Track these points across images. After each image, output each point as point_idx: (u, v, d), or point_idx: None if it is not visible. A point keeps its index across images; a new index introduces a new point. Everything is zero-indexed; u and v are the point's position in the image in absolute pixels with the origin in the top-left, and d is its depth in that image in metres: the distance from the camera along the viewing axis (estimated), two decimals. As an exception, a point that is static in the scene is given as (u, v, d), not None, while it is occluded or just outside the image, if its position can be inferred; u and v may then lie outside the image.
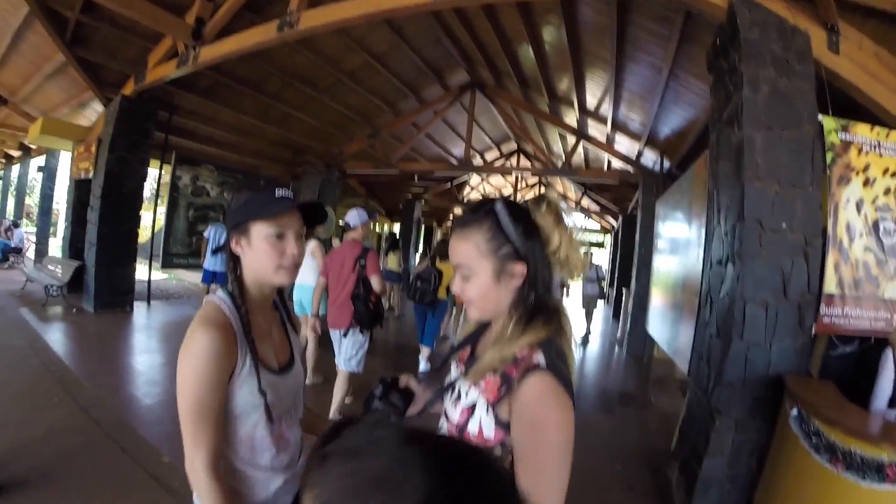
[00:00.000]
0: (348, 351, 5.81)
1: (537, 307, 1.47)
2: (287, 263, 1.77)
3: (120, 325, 9.92)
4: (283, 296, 2.07)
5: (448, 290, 7.99)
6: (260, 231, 1.74)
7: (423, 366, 8.48)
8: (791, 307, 4.26)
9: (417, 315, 8.62)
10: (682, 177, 8.08)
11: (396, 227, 23.16)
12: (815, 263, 4.32)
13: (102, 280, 10.53)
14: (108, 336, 9.06)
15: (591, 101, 11.16)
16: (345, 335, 5.79)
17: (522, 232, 1.46)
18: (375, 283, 5.68)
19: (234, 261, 1.80)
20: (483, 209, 1.49)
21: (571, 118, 12.62)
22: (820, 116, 4.47)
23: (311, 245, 7.71)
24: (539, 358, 1.36)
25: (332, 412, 5.79)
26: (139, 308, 11.36)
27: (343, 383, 5.87)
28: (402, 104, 14.42)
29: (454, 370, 1.73)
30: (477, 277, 1.48)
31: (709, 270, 5.04)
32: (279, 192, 1.76)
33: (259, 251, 1.74)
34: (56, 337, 8.66)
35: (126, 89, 10.38)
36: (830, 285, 4.44)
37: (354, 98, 13.36)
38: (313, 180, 15.95)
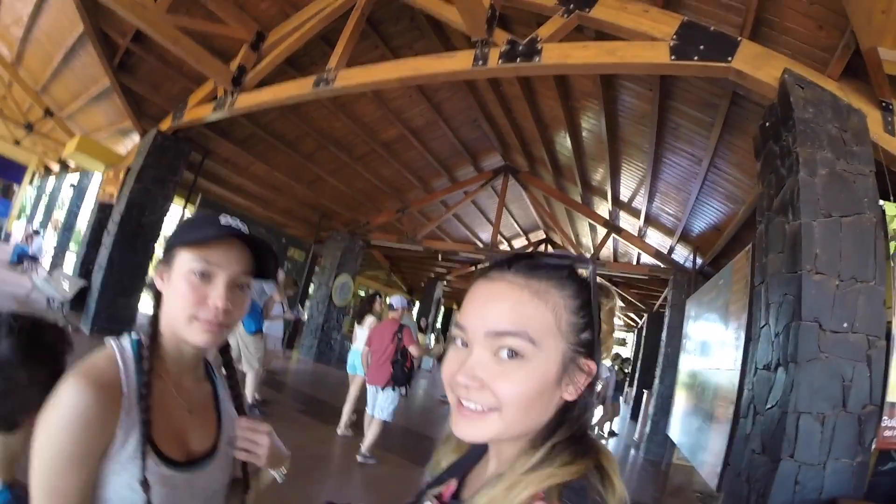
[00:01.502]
0: (383, 403, 7.25)
1: (578, 431, 0.95)
2: (205, 316, 1.26)
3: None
4: (229, 358, 1.58)
5: None
6: (182, 263, 1.28)
7: None
8: (851, 420, 3.67)
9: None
10: (718, 273, 7.68)
11: (416, 307, 22.87)
12: (879, 368, 3.76)
13: (104, 304, 10.37)
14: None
15: (624, 193, 11.10)
16: (381, 390, 7.23)
17: (598, 318, 0.97)
18: (414, 350, 7.37)
19: (156, 300, 1.35)
20: (567, 264, 0.98)
21: (603, 209, 12.52)
22: (881, 202, 4.09)
23: (369, 321, 8.79)
24: None
25: (365, 448, 7.17)
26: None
27: (376, 427, 7.22)
28: (433, 181, 14.47)
29: None
30: (534, 365, 0.89)
31: (752, 376, 4.44)
32: (224, 219, 1.31)
33: (175, 290, 1.28)
34: None
35: (163, 124, 10.53)
36: (895, 393, 3.90)
37: (387, 170, 13.45)
38: (336, 246, 16.00)
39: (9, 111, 18.32)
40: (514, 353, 0.89)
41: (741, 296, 5.77)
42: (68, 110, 14.60)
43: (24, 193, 26.99)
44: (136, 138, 11.64)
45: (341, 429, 8.26)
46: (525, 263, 0.96)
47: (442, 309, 26.69)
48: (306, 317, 16.63)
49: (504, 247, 18.43)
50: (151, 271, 1.26)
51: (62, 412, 1.09)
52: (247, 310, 1.38)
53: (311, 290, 17.98)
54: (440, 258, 18.79)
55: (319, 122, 11.15)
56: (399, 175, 13.76)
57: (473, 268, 21.61)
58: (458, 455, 1.19)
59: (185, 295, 1.25)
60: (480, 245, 17.22)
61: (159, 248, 11.08)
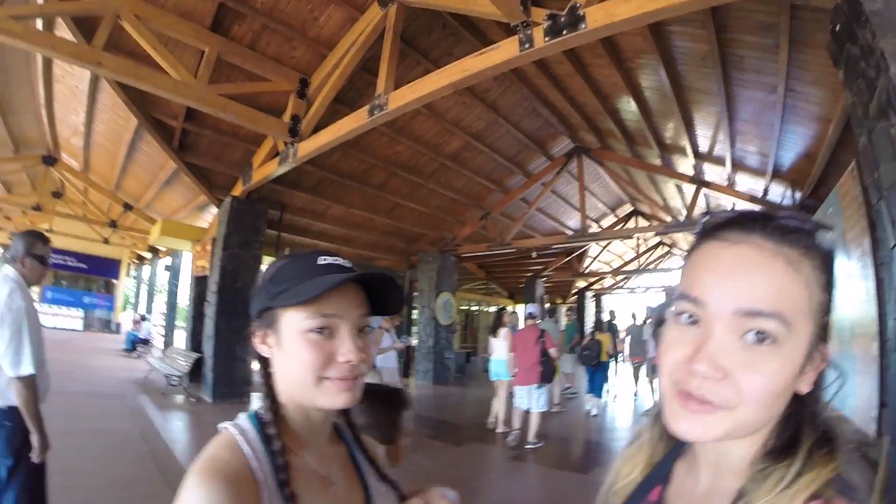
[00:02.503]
0: (539, 398, 8.55)
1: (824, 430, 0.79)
2: (337, 374, 1.07)
3: (235, 417, 9.92)
4: (349, 418, 1.33)
5: (609, 353, 12.62)
6: (293, 323, 1.07)
7: (593, 411, 11.87)
8: None
9: (587, 373, 12.39)
10: (824, 203, 7.19)
11: (520, 308, 22.67)
12: None
13: (220, 371, 10.68)
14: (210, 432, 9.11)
15: (703, 144, 10.58)
16: (537, 388, 8.51)
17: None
18: (554, 352, 8.85)
19: (264, 367, 1.15)
20: (813, 228, 0.78)
21: (686, 166, 12.00)
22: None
23: (503, 332, 9.97)
24: None
25: (532, 436, 8.49)
26: (257, 401, 11.24)
27: (536, 418, 8.54)
28: (508, 181, 14.31)
29: None
30: (786, 353, 0.74)
31: (894, 304, 3.76)
32: (322, 260, 1.11)
33: (293, 355, 1.07)
34: (169, 425, 8.78)
35: (235, 190, 10.90)
36: None
37: (460, 181, 13.41)
38: (430, 268, 16.15)
39: (92, 215, 19.41)
40: (764, 338, 0.72)
41: (856, 220, 5.34)
42: (144, 200, 15.43)
43: (124, 285, 28.63)
44: (213, 210, 11.95)
45: (497, 426, 9.61)
46: (778, 224, 0.77)
47: (547, 305, 26.26)
48: (415, 342, 16.73)
49: (594, 229, 18.00)
50: (253, 341, 1.13)
51: None
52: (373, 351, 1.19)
53: (414, 314, 18.09)
54: (534, 256, 18.56)
55: (382, 150, 11.24)
56: (473, 183, 13.69)
57: (568, 257, 21.30)
58: (649, 466, 1.00)
59: (308, 358, 1.05)
60: (570, 233, 16.87)
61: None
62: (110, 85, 8.48)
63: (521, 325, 10.25)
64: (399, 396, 1.87)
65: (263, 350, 1.13)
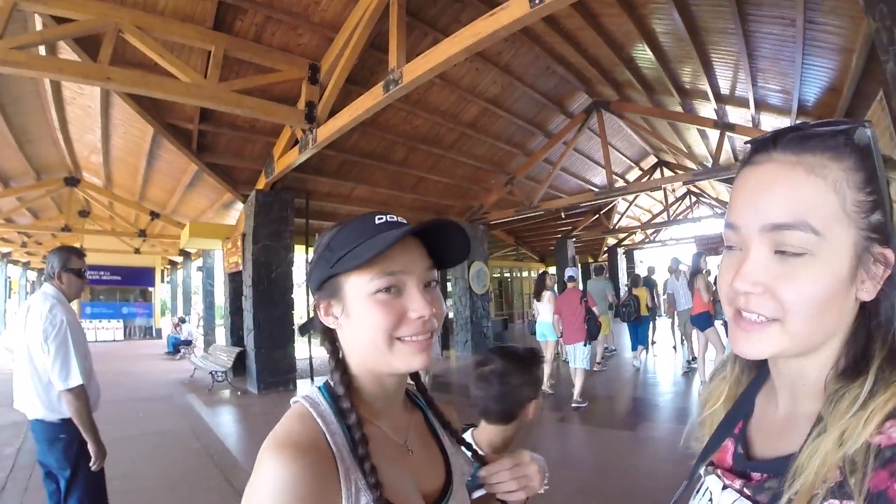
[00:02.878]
0: (582, 355, 8.98)
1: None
2: (411, 332, 1.02)
3: (282, 405, 10.05)
4: (420, 383, 1.33)
5: (648, 307, 13.32)
6: (358, 287, 1.02)
7: (635, 363, 12.62)
8: None
9: (630, 330, 13.18)
10: None
11: (552, 270, 22.64)
12: None
13: (263, 362, 10.90)
14: (270, 416, 9.10)
15: (724, 86, 10.33)
16: (584, 345, 8.97)
17: (888, 192, 0.75)
18: (597, 309, 9.84)
19: (330, 340, 1.12)
20: (841, 129, 0.75)
21: (708, 111, 11.69)
22: None
23: (547, 295, 10.47)
24: None
25: (577, 395, 8.81)
26: (303, 386, 11.52)
27: (580, 375, 8.89)
28: (529, 143, 14.21)
29: (716, 488, 0.89)
30: (823, 261, 0.73)
31: None
32: (379, 219, 1.06)
33: (362, 320, 1.02)
34: (218, 420, 8.94)
35: (259, 184, 11.02)
36: None
37: (482, 148, 13.36)
38: None
39: (120, 227, 19.75)
40: (795, 249, 0.73)
41: (889, 151, 5.18)
42: (170, 206, 15.72)
43: (160, 291, 29.45)
44: (240, 206, 12.09)
45: (545, 386, 9.74)
46: (793, 136, 0.77)
47: (579, 266, 26.12)
48: (451, 314, 16.91)
49: (619, 184, 17.81)
50: (312, 312, 1.08)
51: (268, 493, 0.86)
52: (444, 307, 1.11)
53: (448, 287, 18.21)
54: (563, 216, 18.47)
55: (401, 126, 11.23)
56: (495, 149, 13.65)
57: (597, 215, 21.16)
58: (732, 398, 0.99)
59: (379, 320, 1.00)
60: (596, 190, 16.71)
61: (299, 294, 11.78)
62: (122, 98, 8.53)
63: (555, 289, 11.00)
64: (536, 355, 2.03)
65: (329, 322, 1.08)
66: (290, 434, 0.95)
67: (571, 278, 9.97)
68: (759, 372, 0.97)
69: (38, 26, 6.94)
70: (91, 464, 3.35)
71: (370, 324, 1.01)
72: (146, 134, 10.30)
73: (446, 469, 1.18)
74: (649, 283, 14.67)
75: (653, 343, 14.33)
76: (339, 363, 1.08)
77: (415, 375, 1.30)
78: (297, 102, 8.67)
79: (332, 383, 1.06)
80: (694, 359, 11.41)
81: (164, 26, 7.20)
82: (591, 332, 9.09)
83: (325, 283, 1.07)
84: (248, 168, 10.93)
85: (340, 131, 8.16)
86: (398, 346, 1.01)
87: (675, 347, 14.36)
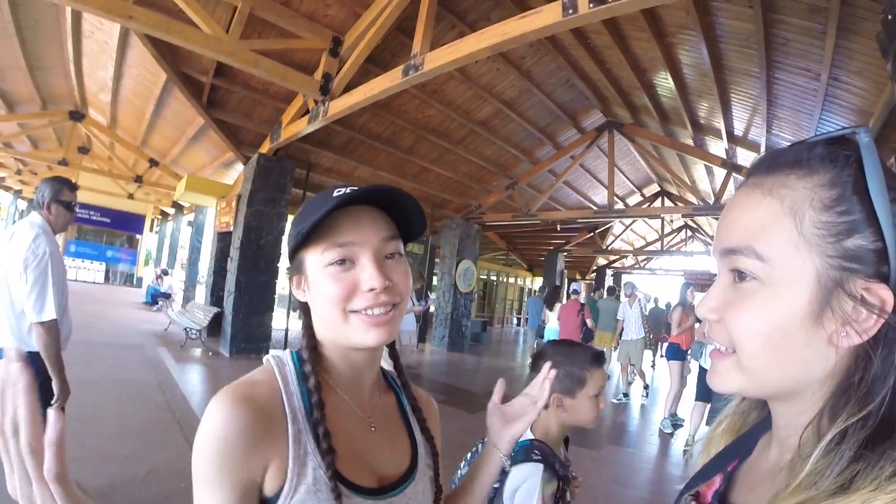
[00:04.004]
0: None
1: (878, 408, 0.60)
2: (363, 305, 1.00)
3: (251, 371, 10.31)
4: (399, 365, 1.30)
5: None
6: (315, 261, 1.03)
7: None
8: None
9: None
10: None
11: (538, 282, 22.73)
12: None
13: (239, 327, 10.85)
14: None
15: (738, 127, 10.35)
16: None
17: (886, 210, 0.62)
18: (590, 322, 11.25)
19: (304, 311, 1.11)
20: (820, 140, 0.68)
21: (718, 149, 11.73)
22: None
23: (558, 307, 11.58)
24: None
25: None
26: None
27: None
28: (537, 152, 14.20)
29: None
30: (770, 290, 0.66)
31: None
32: (337, 191, 1.02)
33: (320, 293, 1.03)
34: (186, 377, 8.91)
35: (263, 147, 10.92)
36: None
37: (489, 149, 13.33)
38: (452, 234, 16.28)
39: (117, 170, 19.70)
40: (744, 276, 0.68)
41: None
42: (171, 156, 15.59)
43: (147, 241, 29.43)
44: (240, 167, 12.05)
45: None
46: (767, 157, 0.72)
47: (566, 281, 26.18)
48: (433, 308, 16.81)
49: (619, 206, 17.84)
50: (290, 288, 1.07)
51: (207, 435, 0.90)
52: (411, 279, 1.09)
53: (434, 281, 18.23)
54: (558, 228, 18.52)
55: (413, 113, 11.16)
56: (502, 151, 13.60)
57: (592, 233, 21.25)
58: (735, 434, 0.92)
59: (330, 293, 1.00)
60: (595, 209, 16.73)
61: (283, 265, 11.63)
62: (140, 40, 8.43)
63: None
64: (601, 356, 2.08)
65: (300, 295, 1.10)
66: (245, 386, 0.97)
67: (576, 291, 11.97)
68: (768, 413, 0.82)
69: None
70: (53, 401, 3.30)
71: (325, 296, 1.01)
72: (158, 79, 10.22)
73: (412, 456, 1.16)
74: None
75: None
76: (307, 332, 1.09)
77: (394, 356, 1.29)
78: (314, 72, 8.60)
79: (301, 351, 1.08)
80: (646, 386, 11.85)
81: (195, -28, 7.13)
82: (585, 338, 10.65)
83: (292, 259, 1.09)
84: (255, 130, 10.85)
85: (353, 108, 8.10)
86: (353, 320, 1.01)
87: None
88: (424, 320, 16.74)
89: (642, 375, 11.72)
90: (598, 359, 2.03)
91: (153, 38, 8.01)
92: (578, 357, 2.00)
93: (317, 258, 1.02)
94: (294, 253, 1.07)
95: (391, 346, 1.23)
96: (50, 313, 3.24)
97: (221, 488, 0.88)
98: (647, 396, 11.53)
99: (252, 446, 0.90)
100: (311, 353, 1.06)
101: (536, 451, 1.85)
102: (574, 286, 11.37)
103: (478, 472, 1.32)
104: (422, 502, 1.13)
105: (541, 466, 1.79)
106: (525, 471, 1.79)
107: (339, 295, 0.99)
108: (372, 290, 0.99)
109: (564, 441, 2.12)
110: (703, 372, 7.55)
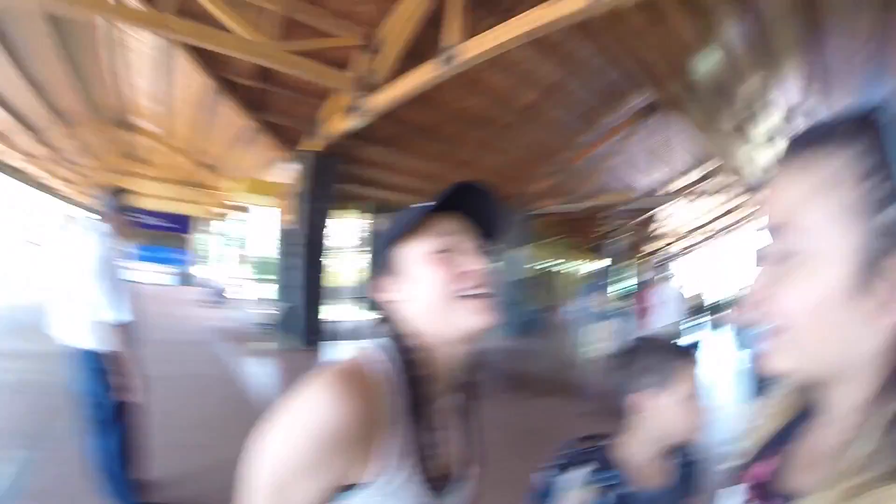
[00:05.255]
0: None
1: None
2: (469, 284, 1.03)
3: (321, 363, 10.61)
4: (471, 364, 1.22)
5: None
6: (415, 252, 1.05)
7: None
8: None
9: None
10: None
11: (593, 266, 22.62)
12: None
13: (306, 320, 11.18)
14: (309, 373, 9.50)
15: (785, 107, 10.18)
16: None
17: None
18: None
19: (392, 314, 1.10)
20: (857, 115, 0.66)
21: (765, 129, 11.51)
22: None
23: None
24: None
25: None
26: (344, 347, 11.51)
27: None
28: (583, 136, 14.00)
29: (739, 500, 0.85)
30: (812, 264, 0.66)
31: None
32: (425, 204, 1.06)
33: (421, 280, 1.04)
34: (256, 371, 9.07)
35: (312, 146, 11.10)
36: None
37: (534, 135, 13.20)
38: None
39: (172, 176, 19.94)
40: (789, 253, 0.68)
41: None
42: (227, 160, 15.79)
43: (208, 241, 30.26)
44: (291, 166, 12.20)
45: None
46: (806, 130, 0.71)
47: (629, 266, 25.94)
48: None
49: (665, 191, 17.64)
50: (370, 292, 1.06)
51: (309, 417, 0.89)
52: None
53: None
54: (611, 213, 18.37)
55: (453, 104, 11.14)
56: (547, 137, 13.47)
57: (644, 216, 21.02)
58: (785, 417, 0.89)
59: (437, 276, 1.03)
60: (640, 193, 16.54)
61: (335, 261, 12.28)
62: (181, 48, 8.64)
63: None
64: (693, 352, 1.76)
65: (391, 296, 1.09)
66: (353, 374, 0.95)
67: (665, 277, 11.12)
68: (819, 396, 0.81)
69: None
70: (133, 397, 3.58)
71: (429, 280, 1.03)
72: (205, 86, 10.41)
73: (467, 456, 1.18)
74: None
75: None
76: (399, 328, 1.08)
77: (470, 363, 1.23)
78: (350, 69, 8.73)
79: (394, 342, 1.06)
80: None
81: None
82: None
83: (384, 259, 1.10)
84: (300, 129, 11.04)
85: (393, 103, 8.22)
86: (460, 304, 1.02)
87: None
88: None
89: None
90: (689, 352, 1.62)
91: (195, 46, 8.18)
92: (666, 351, 1.64)
93: (419, 249, 1.06)
94: (386, 255, 1.09)
95: None
96: (127, 315, 3.50)
97: (315, 478, 0.88)
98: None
99: (359, 440, 0.89)
100: (407, 347, 1.05)
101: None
102: (661, 273, 10.47)
103: None
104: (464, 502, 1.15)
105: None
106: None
107: (446, 276, 1.02)
108: (475, 272, 1.04)
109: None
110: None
